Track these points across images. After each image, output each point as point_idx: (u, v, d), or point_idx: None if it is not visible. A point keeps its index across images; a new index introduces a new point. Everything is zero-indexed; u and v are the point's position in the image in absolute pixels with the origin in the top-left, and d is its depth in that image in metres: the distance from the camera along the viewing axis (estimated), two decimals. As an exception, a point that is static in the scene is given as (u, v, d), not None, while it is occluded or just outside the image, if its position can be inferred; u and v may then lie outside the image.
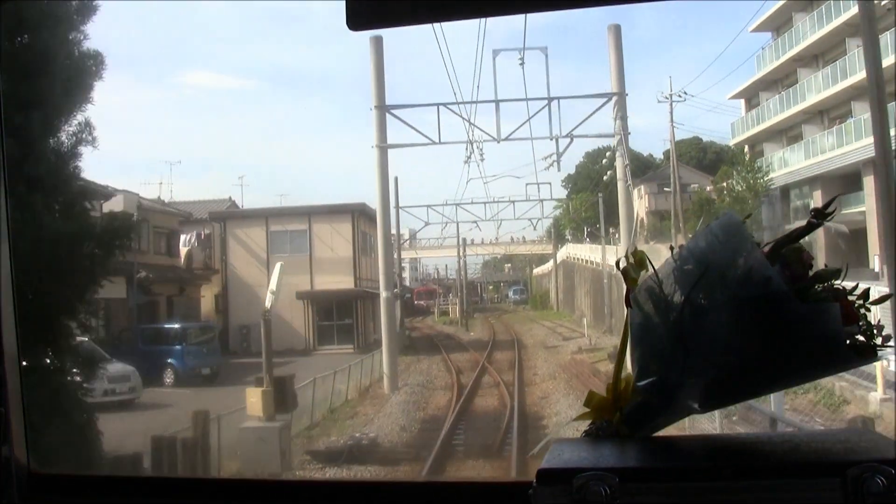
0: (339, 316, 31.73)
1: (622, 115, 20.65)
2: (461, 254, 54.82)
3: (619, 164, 21.87)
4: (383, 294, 21.55)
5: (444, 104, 21.07)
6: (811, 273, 0.99)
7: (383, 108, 20.86)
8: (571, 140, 22.32)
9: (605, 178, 37.15)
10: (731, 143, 37.75)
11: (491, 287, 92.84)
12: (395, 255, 42.13)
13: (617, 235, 43.67)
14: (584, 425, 1.11)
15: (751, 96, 35.99)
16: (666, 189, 40.77)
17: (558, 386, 18.71)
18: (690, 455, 1.04)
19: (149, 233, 28.65)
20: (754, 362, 0.97)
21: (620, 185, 22.28)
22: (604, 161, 29.92)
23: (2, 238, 1.08)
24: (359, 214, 32.83)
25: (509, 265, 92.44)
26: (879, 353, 0.99)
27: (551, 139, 22.09)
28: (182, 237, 32.88)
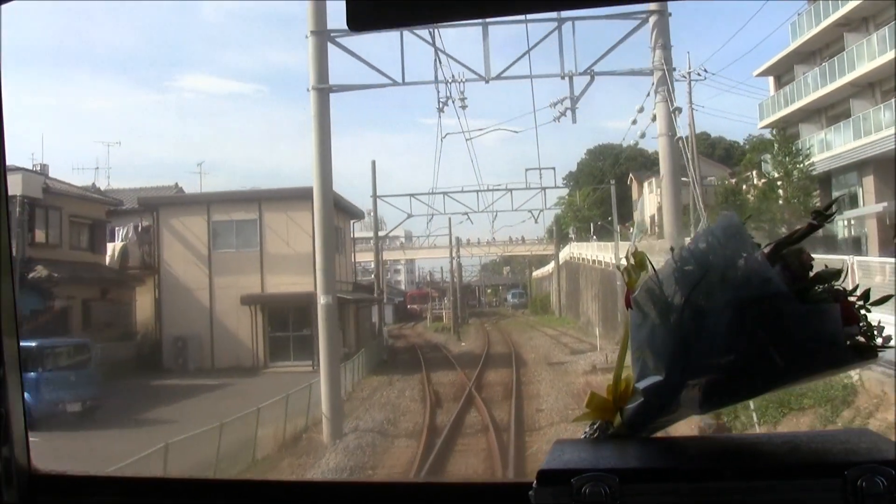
0: (297, 326, 30.25)
1: (664, 42, 17.42)
2: (453, 253, 55.23)
3: (659, 112, 17.98)
4: (321, 300, 17.83)
5: (410, 28, 16.38)
6: (811, 274, 1.20)
7: (323, 36, 17.47)
8: (592, 79, 18.79)
9: (639, 135, 33.35)
10: (759, 125, 37.98)
11: (489, 291, 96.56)
12: (379, 254, 41.95)
13: (631, 230, 43.92)
14: (585, 426, 1.32)
15: (782, 72, 35.64)
16: (683, 178, 40.60)
17: (578, 435, 13.50)
18: (690, 456, 1.24)
19: (62, 223, 27.42)
20: (754, 363, 1.18)
21: (662, 145, 18.22)
22: (635, 117, 25.96)
23: (1, 238, 1.25)
24: (322, 201, 32.59)
25: (508, 268, 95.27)
26: (879, 353, 1.20)
27: (563, 77, 18.61)
28: (118, 231, 31.81)
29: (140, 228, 32.59)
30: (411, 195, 38.82)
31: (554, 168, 47.23)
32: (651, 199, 52.06)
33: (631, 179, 57.86)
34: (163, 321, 30.79)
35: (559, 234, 58.76)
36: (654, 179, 50.79)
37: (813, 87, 31.95)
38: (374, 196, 38.02)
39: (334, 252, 19.85)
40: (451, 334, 46.59)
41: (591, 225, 53.32)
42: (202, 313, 30.39)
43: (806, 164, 30.43)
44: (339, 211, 32.01)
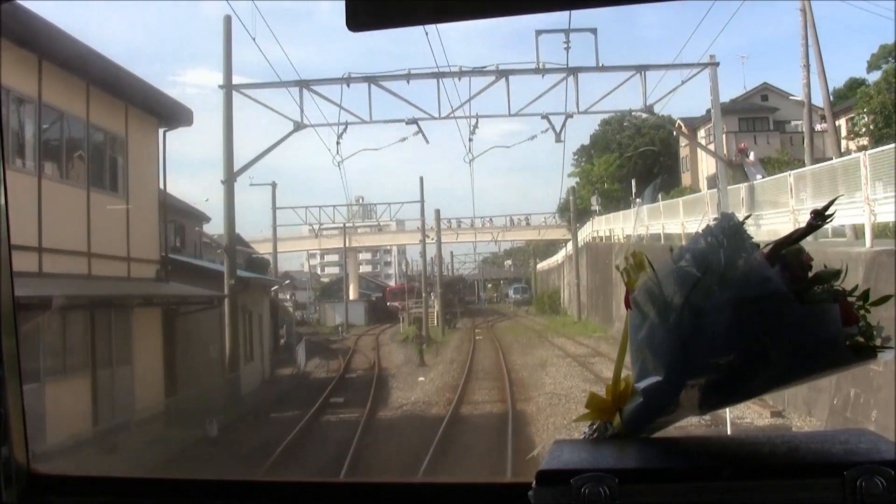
0: None
1: None
2: (427, 230, 42.95)
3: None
4: None
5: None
6: (811, 274, 1.20)
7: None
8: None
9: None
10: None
11: (490, 285, 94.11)
12: (232, 206, 20.49)
13: (639, 200, 32.81)
14: (584, 426, 1.33)
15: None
16: (784, 113, 29.89)
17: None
18: (690, 456, 1.25)
19: None
20: (753, 363, 1.18)
21: None
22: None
23: (1, 237, 1.26)
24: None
25: (510, 262, 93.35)
26: (878, 354, 1.20)
27: None
28: None
29: None
30: (302, 83, 21.06)
31: (595, 31, 20.78)
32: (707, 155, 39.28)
33: (678, 126, 41.00)
34: None
35: (576, 209, 43.99)
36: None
37: None
38: (229, 88, 20.69)
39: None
40: (422, 348, 29.91)
41: (633, 183, 39.08)
42: None
43: None
44: (99, 88, 15.85)
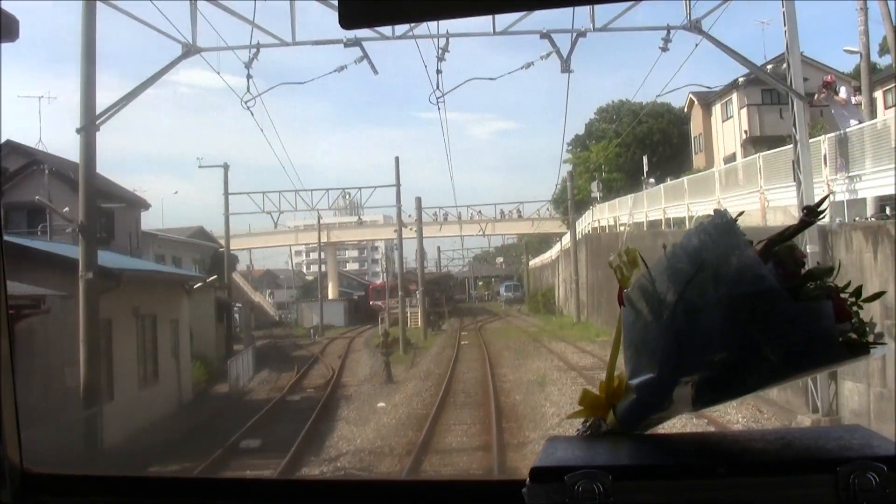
0: None
1: None
2: (408, 224, 38.62)
3: None
4: None
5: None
6: (804, 271, 1.20)
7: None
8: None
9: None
10: None
11: (481, 283, 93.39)
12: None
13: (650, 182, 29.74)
14: (578, 423, 1.33)
15: None
16: (813, 84, 21.01)
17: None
18: (683, 453, 1.25)
19: None
20: (747, 360, 1.19)
21: None
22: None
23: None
24: None
25: (501, 259, 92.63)
26: (871, 350, 1.20)
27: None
28: None
29: None
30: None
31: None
32: (727, 130, 35.05)
33: (691, 102, 38.49)
34: None
35: (573, 195, 40.60)
36: (735, 95, 33.57)
37: None
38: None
39: None
40: (388, 361, 24.40)
41: (645, 160, 35.19)
42: None
43: None
44: None
